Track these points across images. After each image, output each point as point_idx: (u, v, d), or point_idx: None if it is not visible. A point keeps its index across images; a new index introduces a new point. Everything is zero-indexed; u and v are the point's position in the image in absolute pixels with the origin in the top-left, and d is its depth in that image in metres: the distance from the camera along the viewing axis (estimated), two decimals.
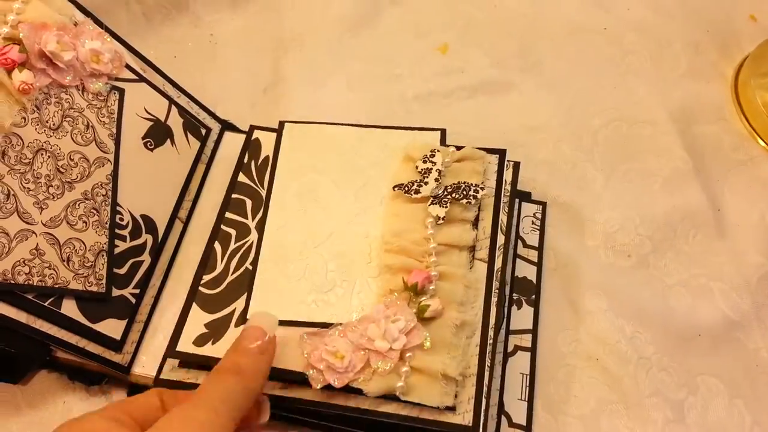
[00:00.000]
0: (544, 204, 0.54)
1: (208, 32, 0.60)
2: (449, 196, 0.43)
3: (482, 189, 0.43)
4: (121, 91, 0.45)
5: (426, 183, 0.44)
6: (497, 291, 0.41)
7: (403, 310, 0.38)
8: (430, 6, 0.66)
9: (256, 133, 0.52)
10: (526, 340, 0.48)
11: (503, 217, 0.44)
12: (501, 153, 0.47)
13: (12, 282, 0.36)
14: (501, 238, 0.43)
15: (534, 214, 0.54)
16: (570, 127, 0.60)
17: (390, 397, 0.37)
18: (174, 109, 0.49)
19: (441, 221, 0.42)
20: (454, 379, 0.37)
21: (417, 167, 0.45)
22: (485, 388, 0.37)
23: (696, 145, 0.59)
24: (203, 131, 0.52)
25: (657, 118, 0.60)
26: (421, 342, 0.37)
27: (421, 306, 0.38)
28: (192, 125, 0.51)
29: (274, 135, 0.50)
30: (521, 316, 0.49)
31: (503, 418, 0.44)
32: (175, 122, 0.49)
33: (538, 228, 0.53)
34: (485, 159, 0.46)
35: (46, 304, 0.38)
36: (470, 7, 0.66)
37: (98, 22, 0.45)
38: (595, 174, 0.57)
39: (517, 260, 0.51)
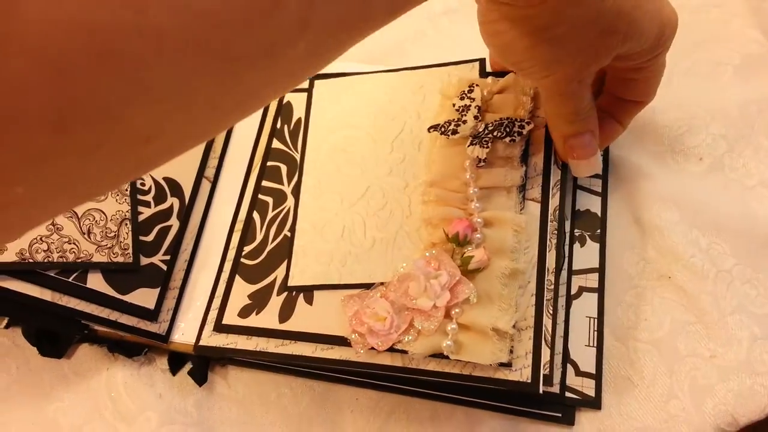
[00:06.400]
0: None
1: None
2: (490, 135, 0.38)
3: (528, 123, 0.38)
4: None
5: (464, 122, 0.39)
6: (555, 232, 0.37)
7: (445, 263, 0.35)
8: None
9: (288, 96, 0.48)
10: (592, 280, 0.42)
11: None
12: None
13: (31, 260, 0.35)
14: (557, 173, 0.38)
15: None
16: None
17: (439, 354, 0.34)
18: None
19: (482, 163, 0.38)
20: (507, 333, 0.33)
21: (455, 105, 0.40)
22: (546, 340, 0.34)
23: None
24: None
25: None
26: (467, 297, 0.34)
27: (464, 258, 0.35)
28: None
29: (305, 95, 0.47)
30: (585, 254, 0.43)
31: (569, 367, 0.40)
32: None
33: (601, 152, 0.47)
34: (530, 86, 0.40)
35: (70, 279, 0.37)
36: None
37: None
38: None
39: (578, 191, 0.46)
